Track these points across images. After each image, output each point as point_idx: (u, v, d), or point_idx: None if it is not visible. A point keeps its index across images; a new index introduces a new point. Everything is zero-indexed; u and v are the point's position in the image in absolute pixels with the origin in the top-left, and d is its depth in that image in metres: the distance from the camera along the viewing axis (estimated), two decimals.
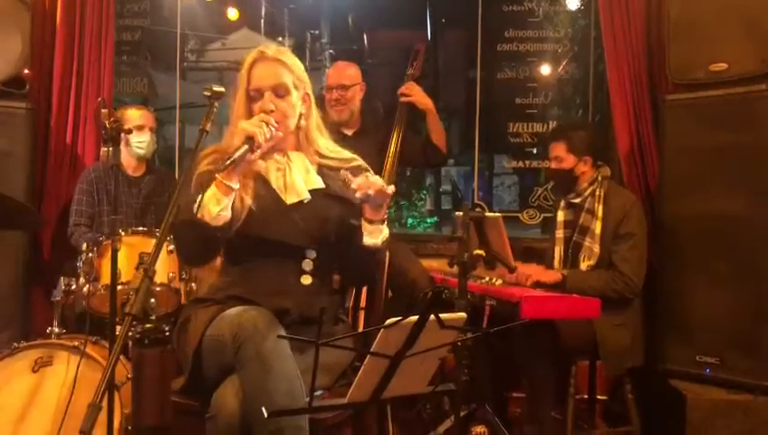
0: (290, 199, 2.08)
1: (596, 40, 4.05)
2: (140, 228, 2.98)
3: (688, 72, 3.11)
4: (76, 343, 2.64)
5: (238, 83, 2.10)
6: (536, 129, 4.24)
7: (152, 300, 2.73)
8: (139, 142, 3.41)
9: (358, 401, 1.61)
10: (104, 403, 1.73)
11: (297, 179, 2.10)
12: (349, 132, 3.53)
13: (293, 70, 2.10)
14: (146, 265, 1.63)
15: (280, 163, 2.12)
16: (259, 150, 1.95)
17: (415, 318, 1.51)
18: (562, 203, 3.21)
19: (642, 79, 3.39)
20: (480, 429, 2.87)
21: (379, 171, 3.36)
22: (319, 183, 2.13)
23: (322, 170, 2.16)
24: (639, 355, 3.03)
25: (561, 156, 3.11)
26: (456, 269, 2.55)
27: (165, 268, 2.88)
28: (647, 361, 3.07)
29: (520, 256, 3.12)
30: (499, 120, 4.30)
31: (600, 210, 3.03)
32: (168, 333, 2.43)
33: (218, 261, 2.19)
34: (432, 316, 1.52)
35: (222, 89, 1.89)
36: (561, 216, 3.20)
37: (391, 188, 1.94)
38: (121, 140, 3.21)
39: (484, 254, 2.71)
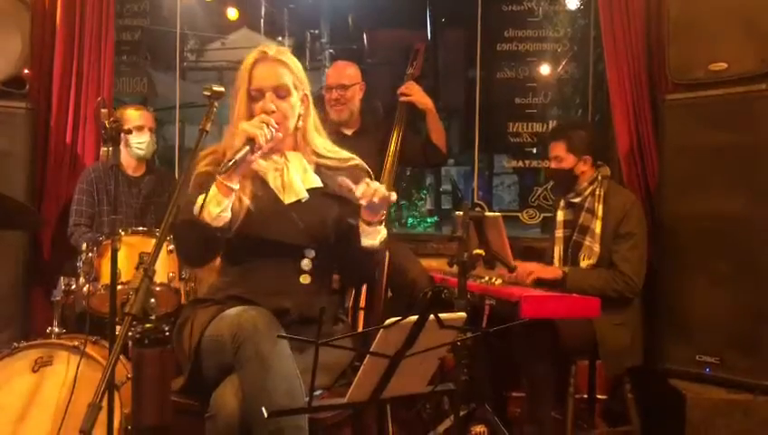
0: (288, 199, 2.08)
1: (596, 39, 4.05)
2: (140, 228, 2.98)
3: (688, 71, 3.11)
4: (76, 343, 2.64)
5: (238, 83, 2.09)
6: (536, 128, 4.24)
7: (152, 300, 2.73)
8: (139, 143, 3.41)
9: (357, 400, 1.61)
10: (104, 403, 1.73)
11: (295, 179, 2.10)
12: (348, 132, 3.53)
13: (294, 71, 2.11)
14: (146, 264, 1.64)
15: (277, 163, 2.12)
16: (260, 151, 1.95)
17: (414, 318, 1.51)
18: (562, 203, 3.22)
19: (642, 78, 3.39)
20: (480, 428, 2.87)
21: (379, 171, 3.37)
22: (317, 182, 2.13)
23: (320, 170, 2.16)
24: (639, 355, 3.04)
25: (561, 156, 3.11)
26: (455, 269, 2.55)
27: (165, 268, 2.88)
28: (646, 360, 3.07)
29: (519, 256, 3.13)
30: (499, 119, 4.29)
31: (600, 210, 3.04)
32: (167, 333, 2.43)
33: (218, 261, 2.19)
34: (431, 316, 1.52)
35: (222, 89, 1.89)
36: (560, 215, 3.20)
37: (394, 196, 1.95)
38: (121, 141, 3.21)
39: (483, 253, 2.71)
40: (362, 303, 2.41)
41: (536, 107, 4.25)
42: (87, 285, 2.85)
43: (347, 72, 3.53)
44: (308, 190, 2.10)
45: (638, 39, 3.39)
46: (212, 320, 1.96)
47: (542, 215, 4.18)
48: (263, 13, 6.39)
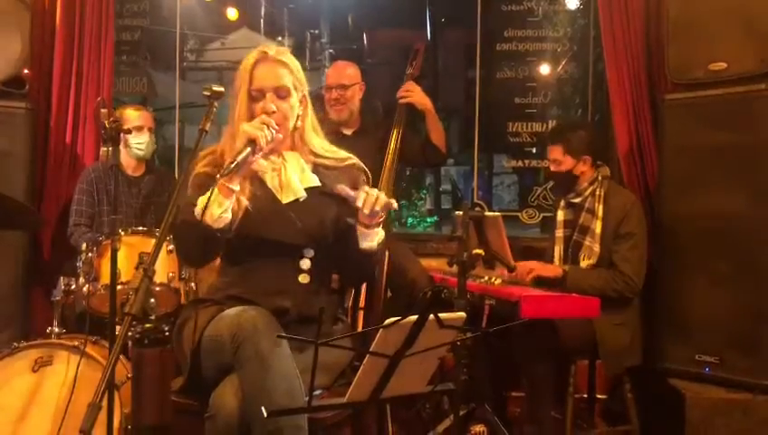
0: (286, 199, 2.09)
1: (595, 39, 4.04)
2: (140, 228, 2.98)
3: (687, 71, 3.11)
4: (76, 343, 2.65)
5: (238, 83, 2.09)
6: (535, 128, 4.24)
7: (152, 300, 2.74)
8: (138, 144, 3.41)
9: (357, 400, 1.61)
10: (104, 403, 1.73)
11: (293, 178, 2.10)
12: (348, 132, 3.53)
13: (294, 71, 2.11)
14: (145, 264, 1.64)
15: (275, 163, 2.12)
16: (261, 153, 1.96)
17: (414, 318, 1.51)
18: (562, 202, 3.22)
19: (641, 78, 3.39)
20: (479, 428, 2.87)
21: (378, 171, 3.37)
22: (314, 181, 2.13)
23: (318, 169, 2.16)
24: (639, 354, 3.04)
25: (559, 159, 3.11)
26: (455, 269, 2.55)
27: (164, 268, 2.88)
28: (646, 360, 3.07)
29: (519, 256, 3.12)
30: (498, 119, 4.29)
31: (600, 210, 3.03)
32: (167, 333, 2.43)
33: (217, 262, 2.19)
34: (431, 316, 1.52)
35: (221, 89, 1.89)
36: (560, 215, 3.21)
37: (395, 203, 1.95)
38: (121, 141, 3.22)
39: (483, 253, 2.72)
40: (362, 302, 2.41)
41: (536, 107, 4.25)
42: (87, 285, 2.85)
43: (347, 72, 3.53)
44: (306, 190, 2.10)
45: (637, 39, 3.39)
46: (211, 320, 1.97)
47: (542, 215, 4.18)
48: (262, 13, 6.39)
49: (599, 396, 3.35)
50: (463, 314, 1.62)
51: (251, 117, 2.04)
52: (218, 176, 1.88)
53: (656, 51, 3.36)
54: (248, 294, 2.03)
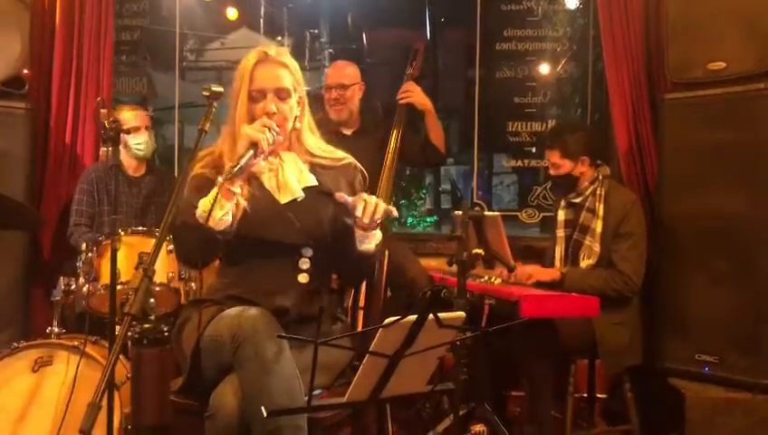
0: (284, 199, 2.08)
1: (595, 39, 4.05)
2: (140, 228, 2.99)
3: (687, 70, 3.11)
4: (76, 343, 2.65)
5: (238, 84, 2.08)
6: (535, 128, 4.24)
7: (151, 300, 2.74)
8: (138, 144, 3.41)
9: (357, 400, 1.61)
10: (104, 403, 1.73)
11: (290, 178, 2.10)
12: (348, 132, 3.53)
13: (294, 72, 2.11)
14: (145, 264, 1.64)
15: (272, 164, 2.11)
16: (262, 155, 1.96)
17: (414, 317, 1.52)
18: (563, 202, 3.22)
19: (641, 78, 3.39)
20: (479, 427, 2.87)
21: (378, 171, 3.37)
22: (312, 181, 2.13)
23: (315, 169, 2.16)
24: (638, 354, 3.04)
25: (557, 163, 3.11)
26: (455, 268, 2.55)
27: (164, 268, 2.88)
28: (646, 359, 3.07)
29: (519, 255, 3.13)
30: (498, 119, 4.29)
31: (600, 209, 3.03)
32: (166, 333, 2.43)
33: (217, 262, 2.19)
34: (431, 315, 1.52)
35: (221, 89, 1.89)
36: (561, 215, 3.20)
37: (395, 211, 1.95)
38: (120, 141, 3.22)
39: (483, 253, 2.72)
40: (361, 302, 2.42)
41: (535, 106, 4.25)
42: (87, 285, 2.85)
43: (346, 72, 3.53)
44: (304, 189, 2.10)
45: (637, 38, 3.39)
46: (211, 320, 1.97)
47: (542, 214, 4.19)
48: (262, 12, 6.38)
49: (598, 395, 3.35)
50: (462, 313, 1.63)
51: (251, 118, 2.04)
52: (221, 179, 1.88)
53: (655, 50, 3.36)
54: (248, 294, 2.03)
